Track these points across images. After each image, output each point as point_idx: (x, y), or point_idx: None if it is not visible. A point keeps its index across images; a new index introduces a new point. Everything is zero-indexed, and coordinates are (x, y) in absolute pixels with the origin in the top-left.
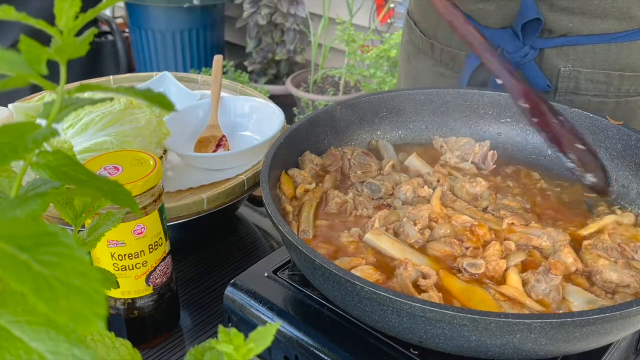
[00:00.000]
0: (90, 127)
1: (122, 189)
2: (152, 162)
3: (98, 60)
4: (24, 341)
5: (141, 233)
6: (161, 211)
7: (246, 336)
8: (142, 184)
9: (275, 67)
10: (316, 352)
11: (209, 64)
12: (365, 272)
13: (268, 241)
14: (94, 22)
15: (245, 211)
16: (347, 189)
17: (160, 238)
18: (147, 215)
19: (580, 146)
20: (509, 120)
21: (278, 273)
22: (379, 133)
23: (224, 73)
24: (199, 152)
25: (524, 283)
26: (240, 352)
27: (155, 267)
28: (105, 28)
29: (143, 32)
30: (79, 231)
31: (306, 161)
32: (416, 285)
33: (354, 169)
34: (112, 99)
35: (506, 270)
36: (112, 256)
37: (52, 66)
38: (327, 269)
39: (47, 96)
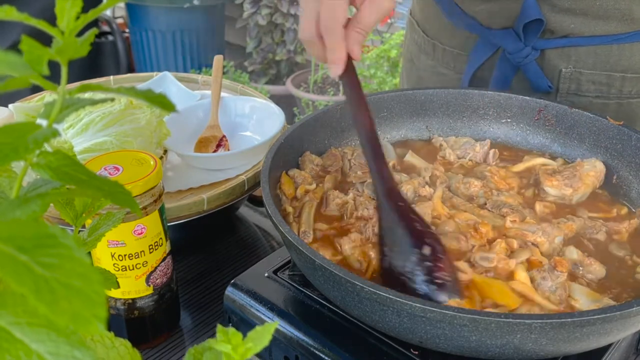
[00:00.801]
0: (90, 127)
1: (122, 189)
2: (152, 162)
3: (98, 60)
4: (24, 342)
5: (141, 233)
6: (161, 211)
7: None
8: (142, 184)
9: (275, 67)
10: (316, 352)
11: (209, 64)
12: None
13: (268, 241)
14: (94, 22)
15: (245, 211)
16: (347, 189)
17: (160, 238)
18: (147, 215)
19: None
20: (509, 120)
21: (278, 273)
22: (379, 133)
23: (224, 73)
24: (199, 152)
25: (531, 280)
26: (238, 352)
27: (155, 267)
28: (106, 28)
29: (143, 32)
30: (79, 231)
31: (306, 161)
32: None
33: (354, 169)
34: (112, 99)
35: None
36: (112, 256)
37: (52, 66)
38: (327, 269)
39: (48, 96)
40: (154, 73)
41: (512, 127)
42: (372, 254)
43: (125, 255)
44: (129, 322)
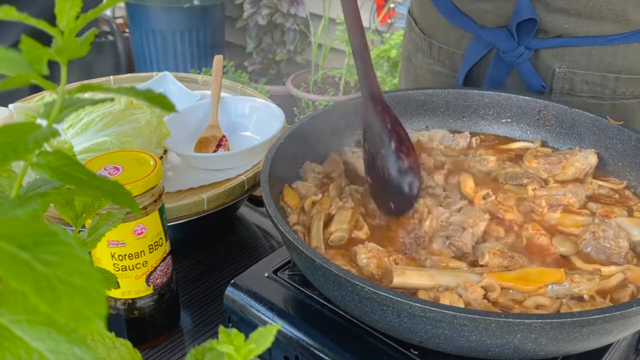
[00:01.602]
0: (90, 127)
1: (122, 189)
2: (152, 162)
3: (98, 60)
4: (25, 340)
5: (141, 233)
6: (161, 211)
7: (246, 336)
8: (142, 184)
9: (275, 67)
10: (316, 352)
11: (209, 64)
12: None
13: (268, 241)
14: (94, 22)
15: (245, 211)
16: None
17: (160, 238)
18: (147, 215)
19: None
20: (509, 120)
21: (278, 273)
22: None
23: (224, 73)
24: (199, 152)
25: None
26: (240, 353)
27: (155, 267)
28: (106, 28)
29: (143, 32)
30: (79, 231)
31: (307, 171)
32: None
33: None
34: (112, 99)
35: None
36: (112, 256)
37: (52, 66)
38: (327, 269)
39: (47, 96)
40: (154, 73)
41: (512, 127)
42: (389, 262)
43: (125, 255)
44: (129, 322)
